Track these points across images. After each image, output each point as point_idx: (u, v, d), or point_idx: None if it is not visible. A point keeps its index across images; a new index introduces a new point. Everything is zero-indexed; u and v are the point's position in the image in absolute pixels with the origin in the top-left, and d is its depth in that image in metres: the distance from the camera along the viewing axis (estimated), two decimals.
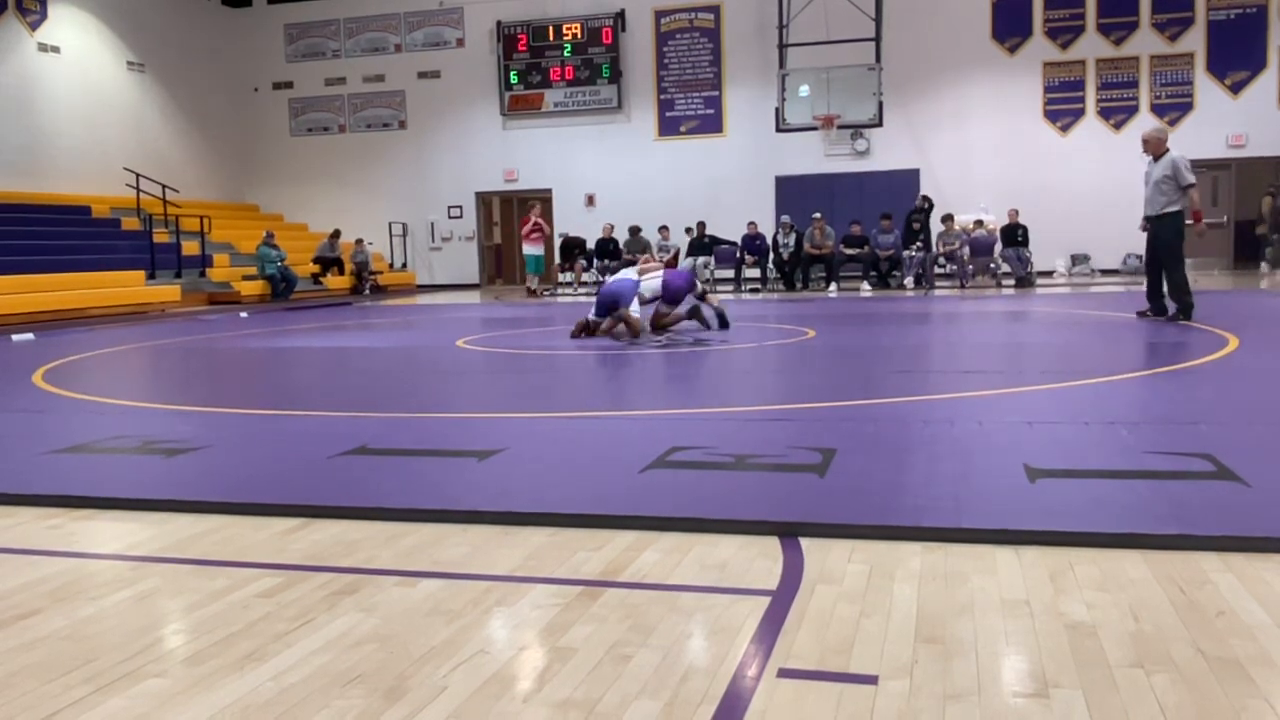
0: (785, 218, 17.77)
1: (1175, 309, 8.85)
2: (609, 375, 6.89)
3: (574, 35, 20.46)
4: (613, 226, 18.76)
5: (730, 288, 18.06)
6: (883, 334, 8.87)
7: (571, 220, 20.43)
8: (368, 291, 19.41)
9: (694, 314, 9.10)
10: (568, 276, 19.03)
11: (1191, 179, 8.65)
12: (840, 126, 17.94)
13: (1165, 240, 8.82)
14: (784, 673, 2.00)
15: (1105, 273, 18.13)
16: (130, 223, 17.70)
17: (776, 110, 18.06)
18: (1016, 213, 16.94)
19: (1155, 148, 8.87)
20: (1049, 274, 17.97)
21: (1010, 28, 18.68)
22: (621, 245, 18.49)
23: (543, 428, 4.66)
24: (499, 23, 20.84)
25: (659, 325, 8.77)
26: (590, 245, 19.02)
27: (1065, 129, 18.57)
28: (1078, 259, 18.32)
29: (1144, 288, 9.49)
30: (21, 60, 17.45)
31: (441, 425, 4.91)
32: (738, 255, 17.96)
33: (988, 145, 18.69)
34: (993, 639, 2.14)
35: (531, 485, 3.53)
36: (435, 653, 2.15)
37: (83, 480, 3.82)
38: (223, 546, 2.99)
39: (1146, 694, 1.86)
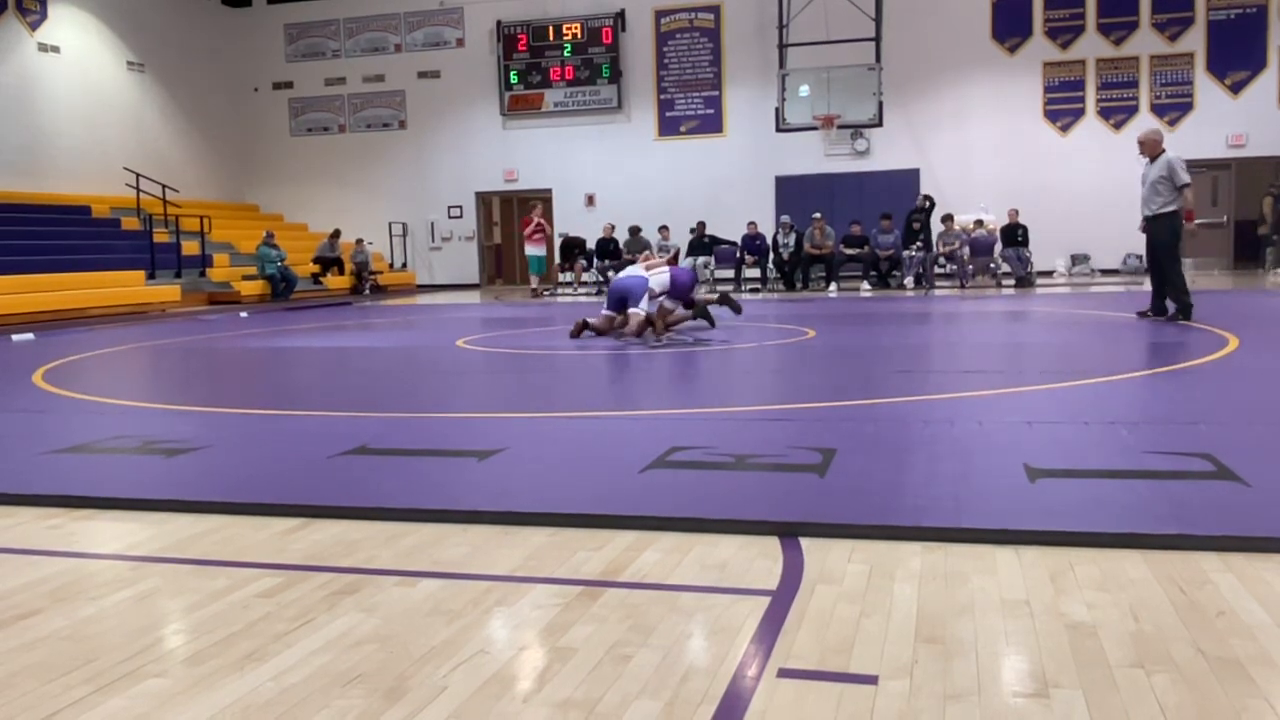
0: (785, 218, 17.77)
1: (1174, 309, 8.86)
2: (609, 375, 6.89)
3: (574, 35, 20.46)
4: (613, 226, 18.76)
5: (730, 288, 18.05)
6: (883, 334, 8.87)
7: (571, 220, 20.44)
8: (368, 291, 19.41)
9: (702, 313, 9.09)
10: (568, 276, 19.03)
11: (1187, 179, 8.66)
12: (840, 126, 17.94)
13: (1162, 240, 8.84)
14: (784, 673, 2.00)
15: (1105, 273, 18.14)
16: (130, 223, 17.70)
17: (776, 110, 18.06)
18: (1016, 213, 16.95)
19: (1151, 149, 8.89)
20: (1049, 274, 17.97)
21: (1010, 28, 18.69)
22: (621, 245, 18.48)
23: (543, 428, 4.66)
24: (499, 23, 20.84)
25: (665, 324, 8.75)
26: (590, 245, 19.02)
27: (1065, 129, 18.57)
28: (1078, 259, 18.32)
29: (1146, 288, 9.47)
30: (21, 60, 17.45)
31: (441, 425, 4.91)
32: (738, 255, 17.96)
33: (988, 145, 18.69)
34: (993, 639, 2.14)
35: (531, 485, 3.53)
36: (435, 653, 2.15)
37: (83, 480, 3.82)
38: (223, 546, 2.99)
39: (1147, 694, 1.86)
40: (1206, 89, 17.96)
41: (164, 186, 18.29)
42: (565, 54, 20.55)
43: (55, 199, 17.31)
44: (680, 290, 8.82)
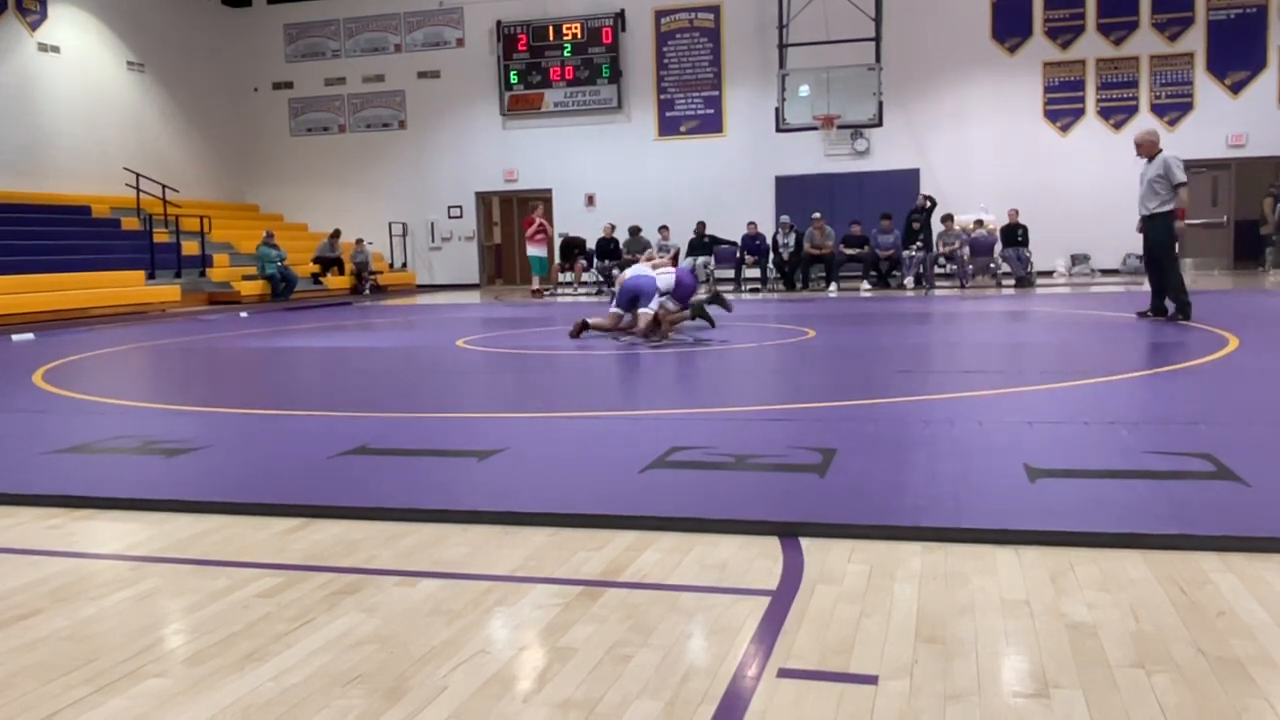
0: (785, 218, 17.77)
1: (1174, 308, 8.86)
2: (609, 375, 6.89)
3: (574, 35, 20.46)
4: (613, 226, 18.76)
5: (730, 288, 18.05)
6: (883, 334, 8.87)
7: (571, 220, 20.44)
8: (368, 291, 19.40)
9: (701, 314, 9.10)
10: (568, 276, 19.03)
11: (1183, 178, 8.68)
12: (840, 126, 17.93)
13: (1158, 240, 8.85)
14: (784, 673, 2.00)
15: (1105, 273, 18.14)
16: (130, 223, 17.70)
17: (776, 110, 18.06)
18: (1016, 213, 16.95)
19: (1148, 150, 8.91)
20: (1049, 274, 17.97)
21: (1010, 28, 18.68)
22: (621, 245, 18.48)
23: (543, 428, 4.66)
24: (499, 22, 20.84)
25: (668, 324, 8.77)
26: (590, 245, 19.02)
27: (1065, 129, 18.57)
28: (1078, 259, 18.32)
29: (1146, 288, 9.48)
30: (21, 60, 17.45)
31: (441, 425, 4.91)
32: (738, 255, 17.96)
33: (988, 145, 18.69)
34: (993, 639, 2.14)
35: (531, 485, 3.53)
36: (435, 653, 2.15)
37: (83, 480, 3.82)
38: (223, 546, 2.99)
39: (1147, 694, 1.86)
40: (1206, 89, 17.96)
41: (164, 186, 18.29)
42: (565, 54, 20.55)
43: (55, 199, 17.31)
44: (684, 292, 8.87)
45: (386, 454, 4.09)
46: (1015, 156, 18.56)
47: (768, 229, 18.16)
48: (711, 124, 20.06)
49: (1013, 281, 16.48)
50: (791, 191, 19.39)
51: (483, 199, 21.93)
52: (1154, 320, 9.00)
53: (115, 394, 6.34)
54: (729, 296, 10.83)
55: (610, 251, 18.53)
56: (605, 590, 2.50)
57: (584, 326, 8.86)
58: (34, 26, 17.64)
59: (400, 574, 2.68)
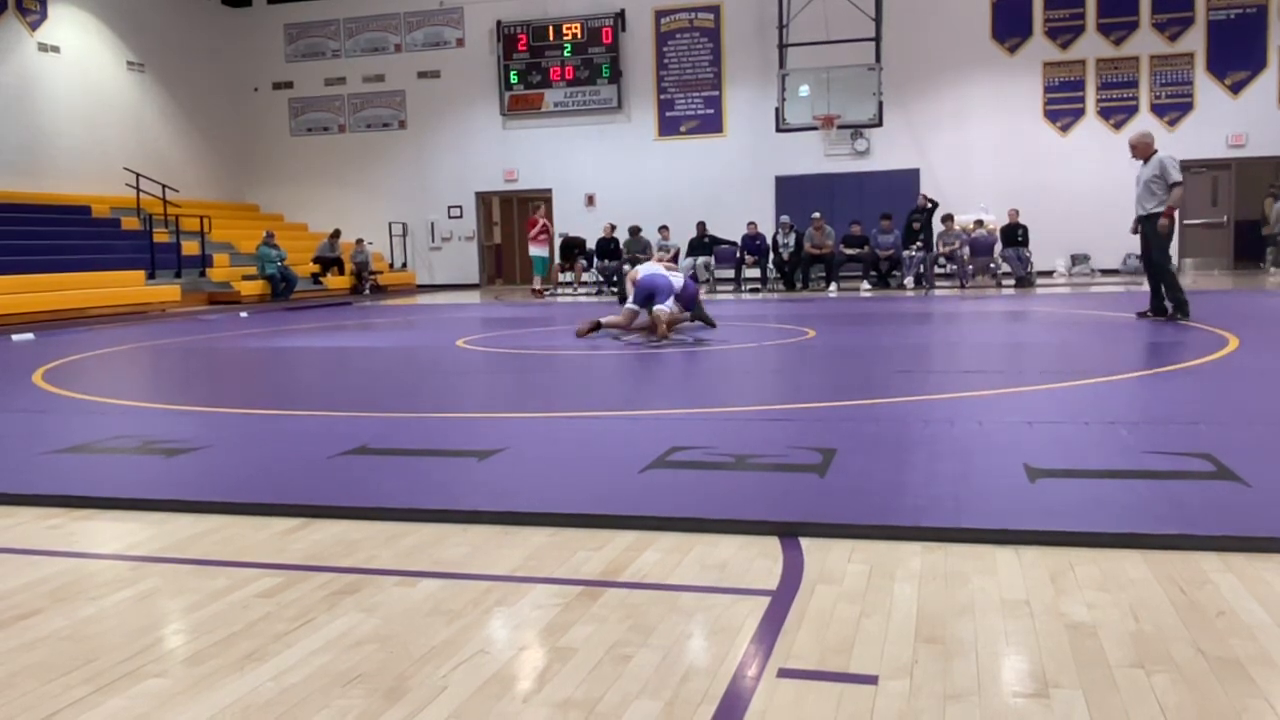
0: (785, 218, 17.76)
1: (1172, 308, 8.87)
2: (608, 375, 6.89)
3: (574, 35, 20.46)
4: (613, 226, 18.75)
5: (730, 288, 18.06)
6: (883, 334, 8.87)
7: (571, 220, 20.43)
8: (368, 291, 19.41)
9: (700, 314, 9.14)
10: (568, 276, 19.03)
11: (1178, 177, 8.69)
12: (840, 126, 17.93)
13: (1157, 240, 8.87)
14: (784, 673, 2.00)
15: (1105, 273, 18.14)
16: (130, 223, 17.70)
17: (776, 110, 18.06)
18: (1016, 213, 16.95)
19: (1143, 151, 8.94)
20: (1049, 274, 17.97)
21: (1010, 28, 18.68)
22: (622, 245, 18.48)
23: (543, 428, 4.66)
24: (499, 22, 20.84)
25: (665, 325, 8.78)
26: (590, 245, 19.02)
27: (1065, 129, 18.57)
28: (1078, 259, 18.32)
29: (1146, 288, 9.49)
30: (21, 60, 17.45)
31: (441, 425, 4.91)
32: (738, 255, 17.96)
33: (988, 145, 18.69)
34: (993, 639, 2.14)
35: (531, 485, 3.53)
36: (435, 653, 2.15)
37: (83, 480, 3.82)
38: (223, 546, 2.99)
39: (1147, 694, 1.86)
40: (1206, 89, 17.96)
41: (164, 186, 18.29)
42: (565, 54, 20.55)
43: (55, 199, 17.31)
44: (688, 298, 8.92)
45: (386, 454, 4.09)
46: (1015, 156, 18.56)
47: (768, 229, 18.16)
48: (711, 124, 20.06)
49: (1013, 281, 16.48)
50: (791, 191, 19.39)
51: (483, 199, 21.93)
52: (1154, 320, 9.00)
53: (115, 394, 6.34)
54: (729, 300, 10.84)
55: (610, 251, 18.52)
56: (605, 590, 2.50)
57: (596, 326, 8.80)
58: (34, 26, 17.65)
59: (400, 574, 2.68)
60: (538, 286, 18.00)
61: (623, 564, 2.69)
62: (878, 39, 17.76)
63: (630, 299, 8.86)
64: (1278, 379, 5.65)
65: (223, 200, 21.77)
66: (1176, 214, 8.89)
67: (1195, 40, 17.96)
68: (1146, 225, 8.90)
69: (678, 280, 8.82)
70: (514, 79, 20.83)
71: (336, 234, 20.02)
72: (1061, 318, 10.05)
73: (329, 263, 19.64)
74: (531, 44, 20.72)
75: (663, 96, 20.27)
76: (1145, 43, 18.15)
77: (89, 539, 3.15)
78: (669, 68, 20.20)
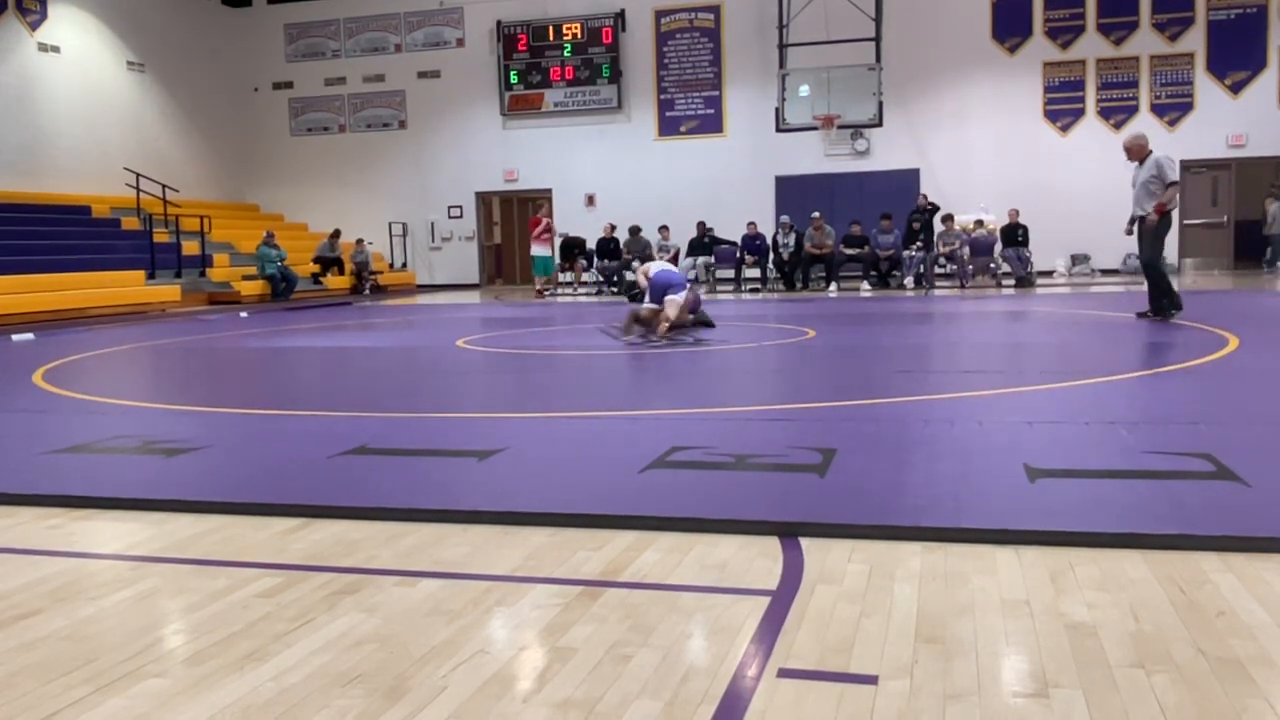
0: (785, 218, 17.76)
1: (1164, 306, 8.93)
2: (609, 375, 6.89)
3: (574, 35, 20.46)
4: (613, 226, 18.75)
5: (730, 288, 18.06)
6: (883, 334, 8.87)
7: (571, 220, 20.43)
8: (368, 291, 19.41)
9: (699, 317, 9.18)
10: (568, 276, 19.03)
11: (1175, 176, 8.73)
12: (840, 126, 17.93)
13: (1147, 238, 8.91)
14: (784, 673, 2.00)
15: (1105, 273, 18.14)
16: (130, 223, 17.70)
17: (776, 110, 18.06)
18: (1017, 213, 16.94)
19: (1138, 153, 8.97)
20: (1049, 274, 17.97)
21: (1010, 28, 18.68)
22: (622, 245, 18.48)
23: (543, 428, 4.66)
24: (499, 23, 20.84)
25: (666, 324, 8.81)
26: (590, 245, 19.01)
27: (1065, 129, 18.57)
28: (1078, 259, 18.32)
29: (1145, 288, 9.51)
30: (21, 60, 17.45)
31: (441, 425, 4.91)
32: (738, 255, 17.96)
33: (988, 145, 18.69)
34: (993, 639, 2.14)
35: (531, 485, 3.53)
36: (435, 653, 2.15)
37: (83, 480, 3.82)
38: (223, 546, 2.99)
39: (1147, 694, 1.86)
40: (1206, 89, 17.96)
41: (164, 186, 18.29)
42: (565, 54, 20.54)
43: (55, 199, 17.31)
44: (691, 305, 8.97)
45: (386, 454, 4.09)
46: (1015, 156, 18.56)
47: (768, 229, 18.16)
48: (711, 124, 20.05)
49: (1013, 281, 16.48)
50: (791, 191, 19.38)
51: (483, 199, 21.93)
52: (1154, 320, 9.00)
53: (115, 394, 6.34)
54: (729, 300, 10.87)
55: (610, 252, 18.52)
56: (605, 590, 2.50)
57: (637, 318, 8.76)
58: (34, 26, 17.65)
59: (400, 574, 2.68)
60: (540, 286, 17.98)
61: (623, 564, 2.69)
62: (878, 39, 17.76)
63: (648, 298, 8.89)
64: (1278, 379, 5.65)
65: (223, 200, 21.77)
66: (1175, 213, 8.90)
67: (1195, 40, 17.96)
68: (1144, 226, 8.91)
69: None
70: (514, 79, 20.83)
71: (336, 234, 20.02)
72: (1061, 318, 10.05)
73: (329, 263, 19.64)
74: (531, 44, 20.72)
75: (663, 96, 20.27)
76: (1145, 43, 18.15)
77: (89, 539, 3.15)
78: (669, 68, 20.20)
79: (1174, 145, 17.18)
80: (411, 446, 4.24)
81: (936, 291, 15.64)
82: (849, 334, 8.97)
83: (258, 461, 4.12)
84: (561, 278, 19.30)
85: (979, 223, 17.25)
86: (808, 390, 5.85)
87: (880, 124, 17.82)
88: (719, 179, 19.73)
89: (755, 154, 19.58)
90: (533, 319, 12.13)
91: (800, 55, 18.02)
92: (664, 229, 18.37)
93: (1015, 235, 16.76)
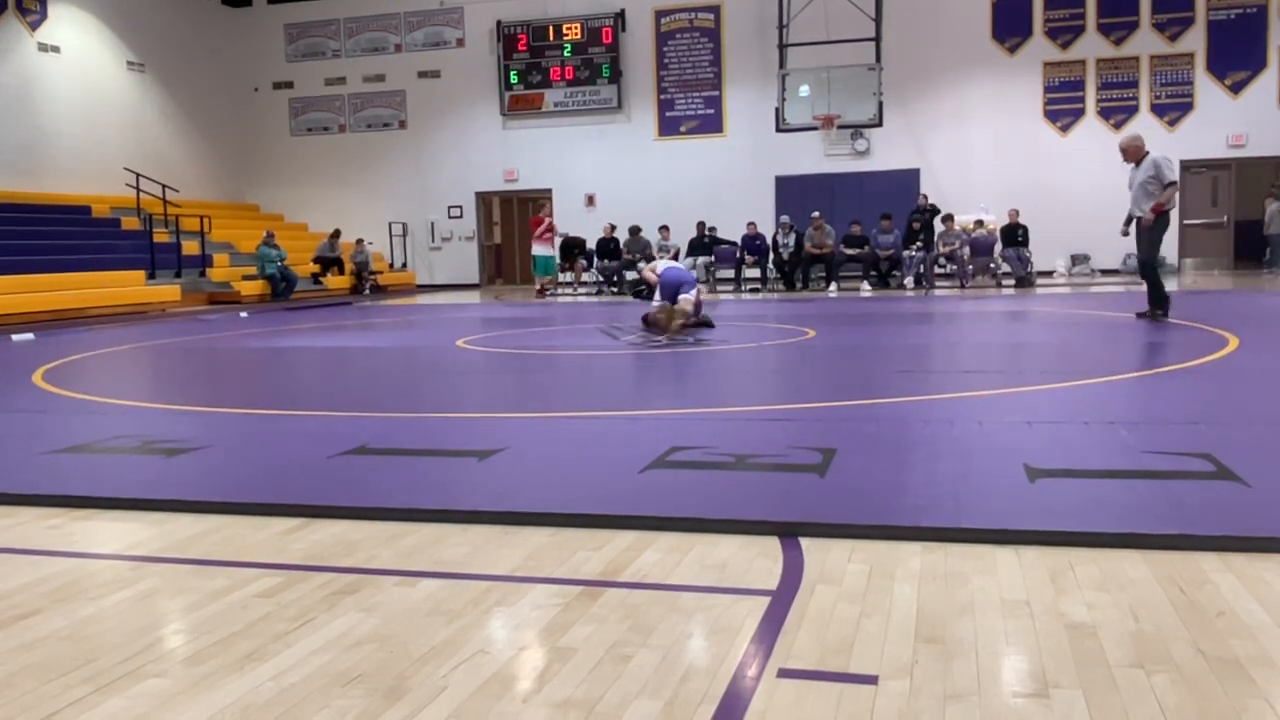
0: (785, 218, 17.76)
1: (1154, 307, 8.98)
2: (609, 375, 6.89)
3: (574, 35, 20.46)
4: (613, 226, 18.75)
5: (730, 288, 18.06)
6: (883, 334, 8.87)
7: (571, 220, 20.40)
8: (368, 291, 19.40)
9: (700, 316, 9.22)
10: (567, 276, 19.02)
11: (1173, 176, 8.77)
12: (840, 126, 17.93)
13: (1144, 238, 8.93)
14: (784, 673, 2.00)
15: (1105, 273, 18.13)
16: (130, 222, 17.70)
17: (776, 110, 18.06)
18: (1017, 213, 16.94)
19: (1134, 154, 8.99)
20: (1049, 274, 17.97)
21: (1010, 28, 18.68)
22: (622, 245, 18.48)
23: (543, 428, 4.66)
24: (499, 23, 20.84)
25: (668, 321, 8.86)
26: (590, 245, 19.01)
27: (1065, 129, 18.57)
28: (1078, 259, 18.32)
29: (1144, 288, 9.52)
30: (21, 60, 17.45)
31: (441, 425, 4.91)
32: (738, 255, 17.96)
33: (988, 145, 18.69)
34: (993, 639, 2.14)
35: (531, 485, 3.53)
36: (435, 653, 2.15)
37: (83, 480, 3.82)
38: (223, 546, 2.99)
39: (1147, 694, 1.86)
40: (1206, 89, 17.96)
41: (164, 186, 18.29)
42: (565, 54, 20.54)
43: (55, 199, 17.31)
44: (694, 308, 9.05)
45: (386, 454, 4.09)
46: (1015, 156, 18.55)
47: (768, 229, 18.16)
48: (711, 124, 20.05)
49: (1013, 282, 16.47)
50: (791, 191, 19.38)
51: (483, 199, 21.93)
52: (1153, 320, 9.00)
53: (115, 394, 6.34)
54: (729, 301, 10.89)
55: (610, 251, 18.52)
56: (605, 590, 2.50)
57: (683, 316, 8.79)
58: (34, 26, 17.64)
59: (400, 574, 2.68)
60: (544, 285, 17.92)
61: (623, 564, 2.69)
62: (878, 39, 17.76)
63: (658, 296, 8.91)
64: (1278, 379, 5.65)
65: (223, 200, 21.77)
66: (1175, 213, 8.94)
67: (1195, 40, 17.96)
68: (1141, 225, 8.93)
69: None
70: (514, 79, 20.83)
71: (336, 234, 20.02)
72: (1061, 318, 10.05)
73: (329, 263, 19.64)
74: (531, 44, 20.72)
75: (663, 96, 20.27)
76: (1145, 43, 18.15)
77: (89, 539, 3.15)
78: (669, 68, 20.20)
79: (1174, 145, 17.19)
80: (411, 446, 4.24)
81: (936, 291, 15.64)
82: (849, 334, 8.97)
83: (257, 461, 4.12)
84: (561, 278, 19.30)
85: (979, 223, 17.25)
86: (808, 390, 5.85)
87: (880, 124, 17.81)
88: (719, 179, 19.73)
89: (755, 154, 19.58)
90: (533, 319, 12.13)
91: (800, 55, 18.02)
92: (664, 229, 18.37)
93: (1015, 235, 16.76)
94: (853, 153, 19.26)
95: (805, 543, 2.80)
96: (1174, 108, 18.10)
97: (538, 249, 17.91)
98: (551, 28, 20.56)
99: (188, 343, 10.01)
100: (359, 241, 20.32)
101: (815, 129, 17.96)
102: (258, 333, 10.97)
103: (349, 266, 19.75)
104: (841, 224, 17.51)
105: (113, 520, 3.33)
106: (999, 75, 18.67)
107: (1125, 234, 9.21)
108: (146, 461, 4.11)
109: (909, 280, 16.63)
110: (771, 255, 17.72)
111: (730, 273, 18.21)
